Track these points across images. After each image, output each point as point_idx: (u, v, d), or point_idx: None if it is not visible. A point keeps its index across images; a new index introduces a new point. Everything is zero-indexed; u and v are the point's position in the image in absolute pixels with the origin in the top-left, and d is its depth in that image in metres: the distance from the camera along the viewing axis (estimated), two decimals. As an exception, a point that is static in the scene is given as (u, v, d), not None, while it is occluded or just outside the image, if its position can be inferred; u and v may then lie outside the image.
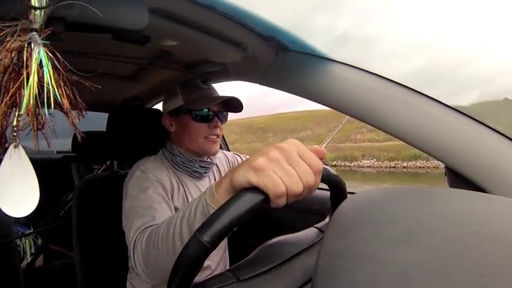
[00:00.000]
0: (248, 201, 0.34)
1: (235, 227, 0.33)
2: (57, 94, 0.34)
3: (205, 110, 0.83)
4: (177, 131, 0.87)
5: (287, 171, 0.35)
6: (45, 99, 0.33)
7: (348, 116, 0.67)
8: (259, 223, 1.01)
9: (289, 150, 0.36)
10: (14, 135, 0.34)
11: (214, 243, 0.33)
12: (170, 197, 0.79)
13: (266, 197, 0.35)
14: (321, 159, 0.39)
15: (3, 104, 0.32)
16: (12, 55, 0.32)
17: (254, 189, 0.35)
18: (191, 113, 0.83)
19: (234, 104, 0.86)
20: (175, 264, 0.34)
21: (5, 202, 0.33)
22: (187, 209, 0.47)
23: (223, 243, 0.98)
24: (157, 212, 0.68)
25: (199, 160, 0.87)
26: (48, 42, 0.34)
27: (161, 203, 0.72)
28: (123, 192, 0.79)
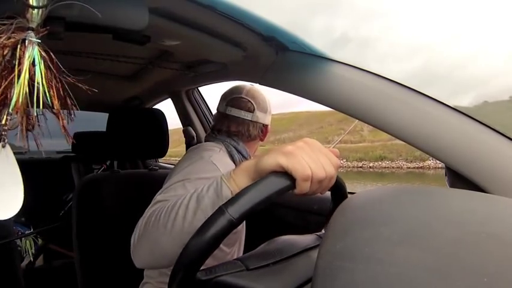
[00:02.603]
0: (276, 183, 0.37)
1: (262, 206, 0.35)
2: (47, 94, 0.33)
3: None
4: (260, 141, 0.94)
5: (313, 158, 0.40)
6: (35, 98, 0.32)
7: (357, 120, 0.67)
8: (260, 223, 1.01)
9: (313, 143, 0.42)
10: (2, 134, 0.33)
11: (240, 219, 0.34)
12: None
13: (292, 183, 0.38)
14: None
15: None
16: (5, 52, 0.31)
17: (281, 173, 0.38)
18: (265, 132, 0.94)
19: None
20: (198, 232, 0.34)
21: None
22: (202, 186, 0.48)
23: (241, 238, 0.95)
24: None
25: None
26: (40, 42, 0.33)
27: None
28: (174, 168, 0.74)
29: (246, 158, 0.85)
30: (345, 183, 0.50)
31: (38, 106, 0.33)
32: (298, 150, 0.40)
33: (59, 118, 0.36)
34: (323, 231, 0.55)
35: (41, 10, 0.33)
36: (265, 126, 0.92)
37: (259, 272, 0.40)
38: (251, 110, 0.88)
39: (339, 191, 0.49)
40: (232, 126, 0.88)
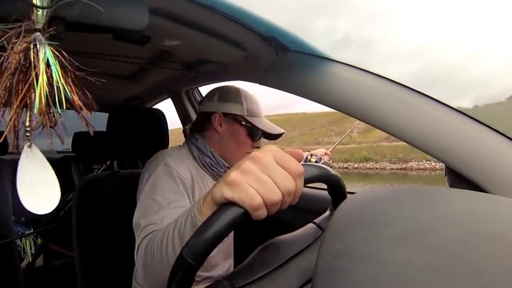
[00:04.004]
0: (227, 216, 0.34)
1: (219, 242, 0.34)
2: (67, 91, 0.34)
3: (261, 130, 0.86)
4: (223, 134, 0.86)
5: (262, 181, 0.34)
6: (56, 98, 0.34)
7: (358, 121, 0.67)
8: (260, 223, 1.00)
9: (263, 158, 0.35)
10: (27, 135, 0.35)
11: (199, 260, 0.34)
12: (191, 192, 0.78)
13: (245, 211, 0.34)
14: (299, 160, 0.37)
15: (15, 105, 0.33)
16: (20, 57, 0.32)
17: (232, 203, 0.35)
18: (248, 127, 0.85)
19: (276, 135, 0.91)
20: (169, 279, 0.36)
21: (28, 200, 0.35)
22: (180, 219, 0.48)
23: (230, 242, 0.96)
24: (167, 216, 0.66)
25: (227, 168, 0.86)
26: (57, 43, 0.34)
27: (176, 202, 0.70)
28: (140, 180, 0.78)
29: (206, 155, 0.84)
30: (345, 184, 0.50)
31: (60, 105, 0.34)
32: (243, 175, 0.34)
33: (79, 113, 0.37)
34: (325, 214, 0.54)
35: (45, 10, 0.33)
36: (214, 114, 0.86)
37: None
38: (200, 101, 0.92)
39: (338, 191, 0.49)
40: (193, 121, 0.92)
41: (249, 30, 0.63)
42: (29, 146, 0.36)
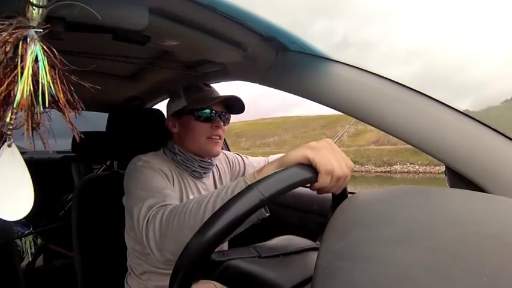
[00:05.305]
0: (302, 172, 0.40)
1: (286, 192, 0.36)
2: (53, 89, 0.33)
3: (208, 110, 0.84)
4: (179, 132, 0.89)
5: (334, 156, 0.44)
6: (40, 95, 0.32)
7: (354, 120, 0.67)
8: (260, 223, 1.00)
9: (333, 144, 0.46)
10: (8, 134, 0.33)
11: (269, 198, 0.34)
12: (171, 184, 0.81)
13: (315, 176, 0.41)
14: None
15: None
16: (7, 49, 0.31)
17: (305, 165, 0.41)
18: (194, 113, 0.84)
19: (236, 105, 0.88)
20: (226, 207, 0.33)
21: None
22: (223, 189, 0.51)
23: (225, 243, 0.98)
24: (167, 197, 0.68)
25: (200, 160, 0.88)
26: (42, 39, 0.33)
27: (166, 189, 0.73)
28: (124, 181, 0.79)
29: (176, 153, 0.87)
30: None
31: (43, 104, 0.33)
32: (322, 147, 0.44)
33: (64, 113, 0.35)
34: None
35: (41, 9, 0.33)
36: (166, 120, 0.92)
37: (270, 261, 0.42)
38: None
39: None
40: None
41: (249, 30, 0.63)
42: (9, 146, 0.34)
